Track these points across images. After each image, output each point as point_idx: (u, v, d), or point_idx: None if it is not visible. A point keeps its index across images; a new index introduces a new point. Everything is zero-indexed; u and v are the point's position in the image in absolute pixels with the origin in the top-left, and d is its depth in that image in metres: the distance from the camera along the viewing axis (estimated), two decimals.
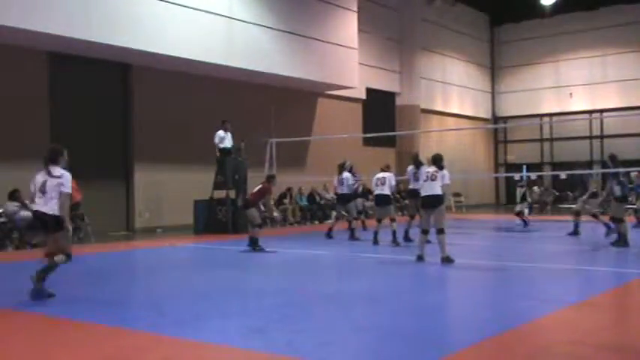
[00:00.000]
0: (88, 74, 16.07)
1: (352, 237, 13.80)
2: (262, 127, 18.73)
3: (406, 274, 9.13)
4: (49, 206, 6.87)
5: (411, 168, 12.79)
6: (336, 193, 14.60)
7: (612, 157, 12.42)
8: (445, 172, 9.72)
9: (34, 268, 6.95)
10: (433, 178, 9.58)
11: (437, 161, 9.81)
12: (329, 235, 14.15)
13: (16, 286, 8.52)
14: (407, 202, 16.23)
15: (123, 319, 6.15)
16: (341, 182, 13.91)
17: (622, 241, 11.45)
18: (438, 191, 9.55)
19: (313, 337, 5.42)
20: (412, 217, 13.22)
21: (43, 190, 6.91)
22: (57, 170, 6.99)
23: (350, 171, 14.22)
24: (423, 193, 9.69)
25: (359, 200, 14.45)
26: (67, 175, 6.99)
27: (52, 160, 7.05)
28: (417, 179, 12.04)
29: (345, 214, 14.28)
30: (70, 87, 15.75)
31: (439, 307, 6.85)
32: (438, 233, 9.57)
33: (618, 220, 11.54)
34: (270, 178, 12.38)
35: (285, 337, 5.38)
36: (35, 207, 7.01)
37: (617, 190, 11.46)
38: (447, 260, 9.42)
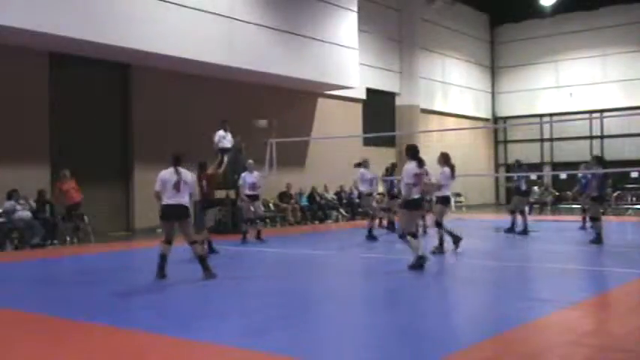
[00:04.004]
0: (88, 74, 16.06)
1: (258, 238, 13.41)
2: (262, 127, 18.70)
3: (406, 274, 9.13)
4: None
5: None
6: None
7: (598, 159, 13.07)
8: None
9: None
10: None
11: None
12: (244, 239, 13.44)
13: (16, 286, 8.55)
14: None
15: (123, 319, 6.15)
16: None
17: (598, 239, 11.94)
18: None
19: (313, 337, 5.42)
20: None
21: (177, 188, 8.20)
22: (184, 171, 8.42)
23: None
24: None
25: (257, 204, 14.30)
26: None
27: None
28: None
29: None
30: (70, 87, 15.74)
31: (440, 307, 6.85)
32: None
33: (595, 219, 12.12)
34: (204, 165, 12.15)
35: (285, 337, 5.38)
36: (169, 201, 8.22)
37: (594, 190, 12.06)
38: None
